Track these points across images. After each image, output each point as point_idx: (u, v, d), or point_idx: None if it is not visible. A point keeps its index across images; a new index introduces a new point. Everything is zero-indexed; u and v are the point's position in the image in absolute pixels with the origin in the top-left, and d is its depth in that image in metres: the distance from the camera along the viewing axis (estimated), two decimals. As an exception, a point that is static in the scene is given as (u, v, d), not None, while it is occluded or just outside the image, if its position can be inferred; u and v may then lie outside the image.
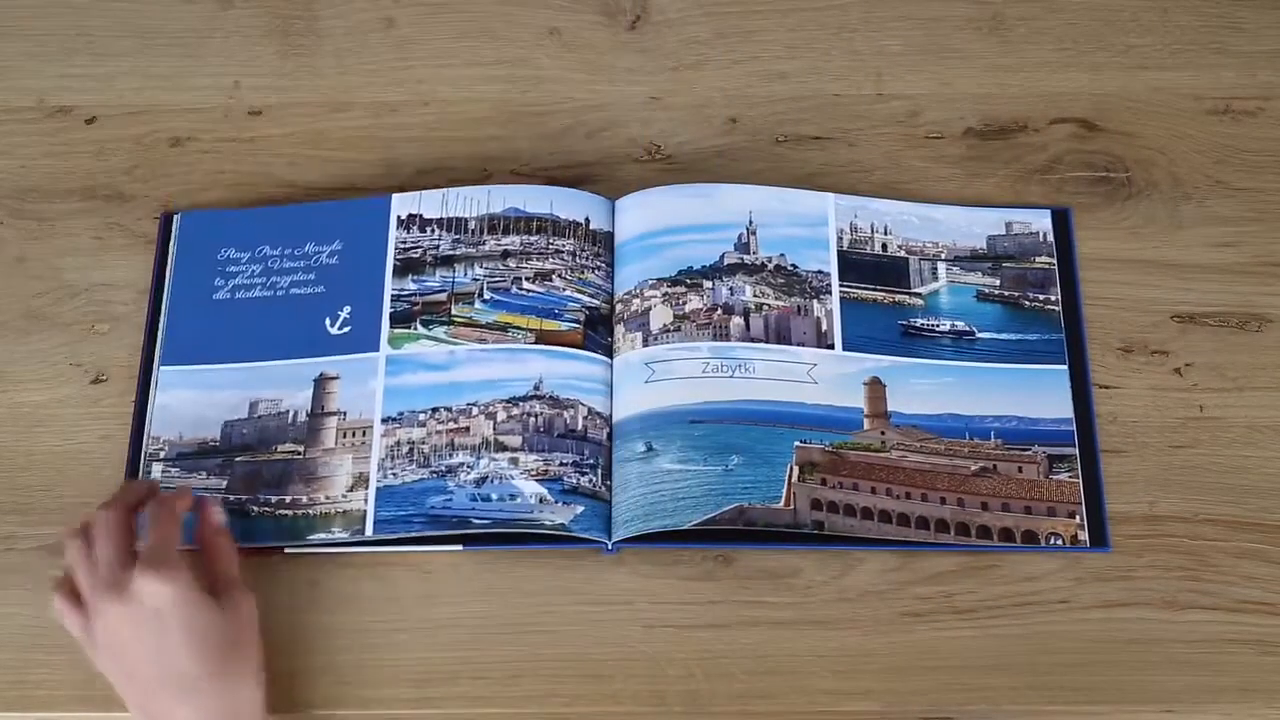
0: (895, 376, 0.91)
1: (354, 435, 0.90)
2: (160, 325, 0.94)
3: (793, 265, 0.94)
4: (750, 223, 0.95)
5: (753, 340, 0.91)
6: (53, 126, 1.03)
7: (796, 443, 0.88)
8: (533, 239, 0.94)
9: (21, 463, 0.91)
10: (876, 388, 0.90)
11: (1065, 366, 0.91)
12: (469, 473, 0.88)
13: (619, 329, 0.92)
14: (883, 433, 0.89)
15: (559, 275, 0.93)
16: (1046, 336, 0.93)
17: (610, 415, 0.90)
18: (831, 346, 0.92)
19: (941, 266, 0.95)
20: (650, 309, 0.92)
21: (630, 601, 0.87)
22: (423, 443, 0.89)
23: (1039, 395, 0.90)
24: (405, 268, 0.94)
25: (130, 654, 0.79)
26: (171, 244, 0.97)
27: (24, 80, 1.05)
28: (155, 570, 0.78)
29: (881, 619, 0.86)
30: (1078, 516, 0.87)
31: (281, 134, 1.02)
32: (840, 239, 0.95)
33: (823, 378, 0.90)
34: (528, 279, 0.94)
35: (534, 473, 0.88)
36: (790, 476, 0.87)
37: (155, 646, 0.78)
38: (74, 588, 0.81)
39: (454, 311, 0.93)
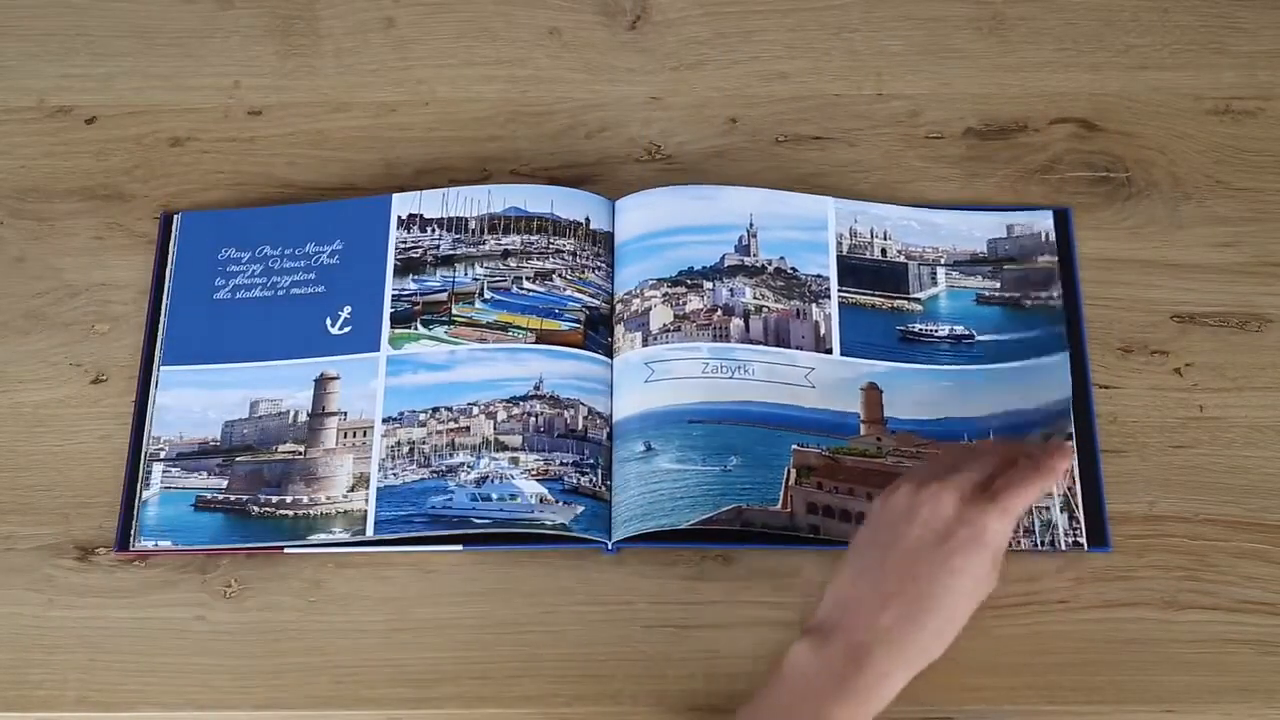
0: (893, 381, 0.91)
1: (354, 435, 0.90)
2: (160, 325, 0.94)
3: (792, 268, 0.94)
4: (751, 225, 0.95)
5: (752, 342, 0.91)
6: (53, 126, 1.03)
7: (794, 445, 0.88)
8: (533, 238, 0.94)
9: (21, 463, 0.91)
10: (873, 393, 0.90)
11: (1066, 353, 0.91)
12: (469, 473, 0.88)
13: (619, 329, 0.92)
14: (879, 438, 0.89)
15: (559, 275, 0.93)
16: (1049, 330, 0.92)
17: (610, 415, 0.90)
18: (830, 351, 0.92)
19: (941, 271, 0.95)
20: (650, 309, 0.92)
21: (630, 601, 0.86)
22: (423, 442, 0.89)
23: (1038, 386, 0.90)
24: (406, 267, 0.94)
25: (927, 569, 0.75)
26: (171, 244, 0.97)
27: (24, 80, 1.05)
28: (1008, 513, 0.76)
29: (881, 619, 0.86)
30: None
31: (281, 134, 1.02)
32: (840, 244, 0.95)
33: (820, 382, 0.90)
34: (528, 279, 0.94)
35: (534, 472, 0.88)
36: (787, 479, 0.87)
37: (973, 581, 0.75)
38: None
39: (454, 311, 0.93)
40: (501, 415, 0.89)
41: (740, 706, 0.76)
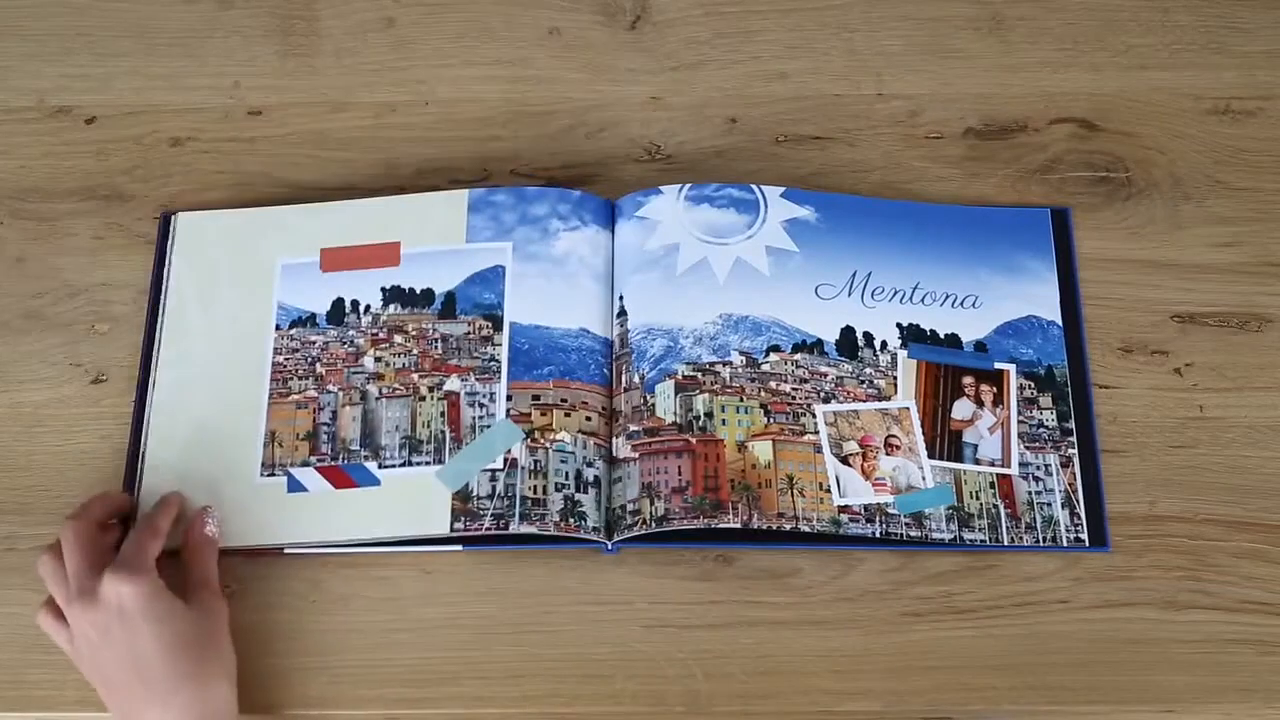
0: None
1: (354, 435, 0.90)
2: (159, 325, 0.94)
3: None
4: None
5: None
6: (53, 126, 1.03)
7: None
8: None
9: (21, 463, 0.91)
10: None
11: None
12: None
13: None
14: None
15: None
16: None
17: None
18: None
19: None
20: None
21: (630, 601, 0.87)
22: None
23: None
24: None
25: (104, 659, 0.80)
26: (171, 244, 0.97)
27: (24, 80, 1.05)
28: (121, 572, 0.79)
29: (881, 619, 0.86)
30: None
31: (281, 134, 1.02)
32: None
33: None
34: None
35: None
36: None
37: (126, 647, 0.79)
38: (55, 602, 0.82)
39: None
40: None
41: None
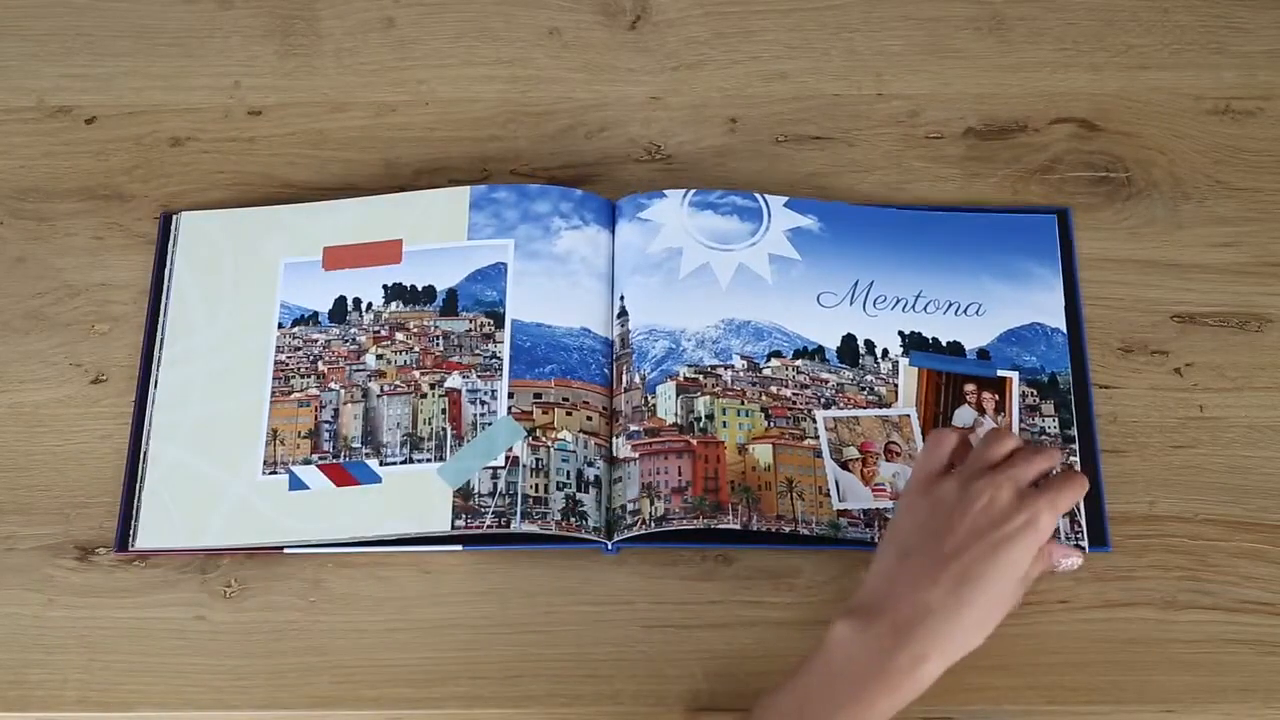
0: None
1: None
2: (160, 325, 0.94)
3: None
4: None
5: None
6: (53, 126, 1.03)
7: None
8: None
9: (21, 463, 0.91)
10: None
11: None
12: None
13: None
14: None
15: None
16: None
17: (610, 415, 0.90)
18: None
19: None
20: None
21: (630, 601, 0.86)
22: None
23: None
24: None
25: (947, 539, 0.76)
26: (171, 244, 0.97)
27: (24, 80, 1.05)
28: (1053, 508, 0.77)
29: (881, 619, 0.86)
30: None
31: (281, 134, 1.02)
32: None
33: None
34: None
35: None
36: None
37: (994, 563, 0.76)
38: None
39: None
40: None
41: (767, 691, 0.76)
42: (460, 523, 0.86)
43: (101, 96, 1.04)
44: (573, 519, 0.86)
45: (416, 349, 0.92)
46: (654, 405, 0.90)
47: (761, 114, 1.02)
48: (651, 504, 0.86)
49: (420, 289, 0.94)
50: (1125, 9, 1.06)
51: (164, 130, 1.02)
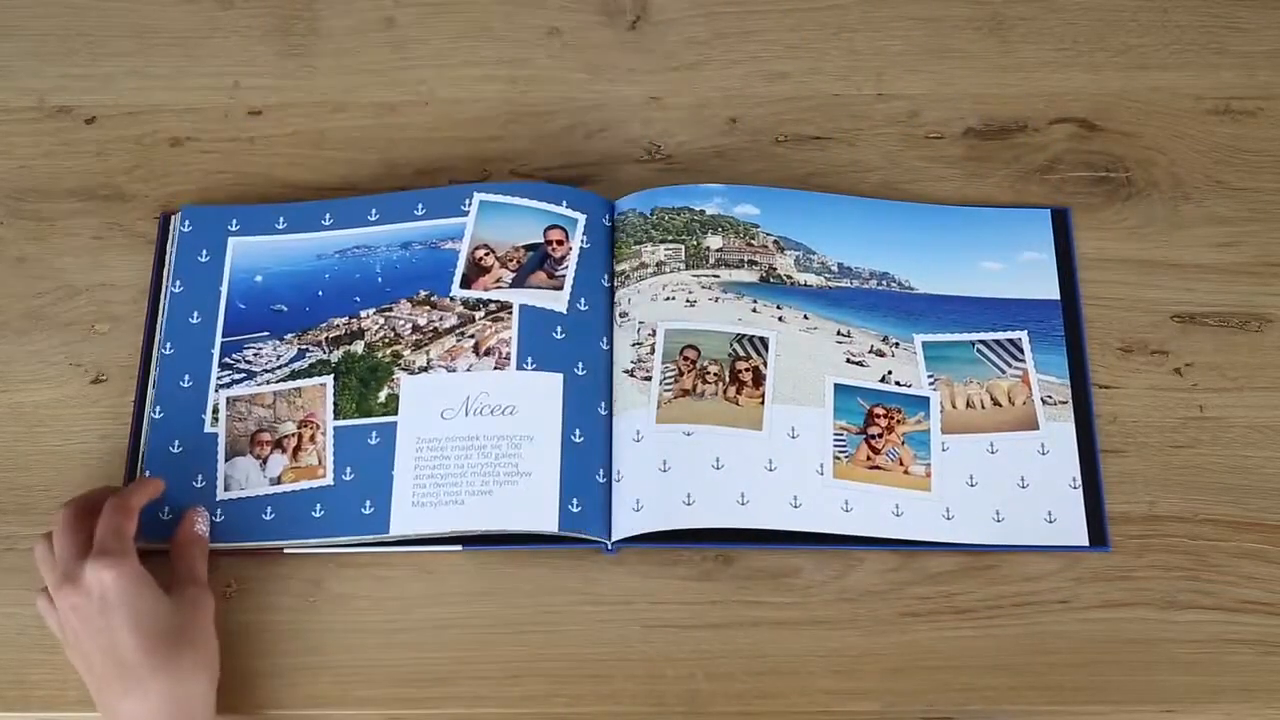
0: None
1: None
2: (160, 325, 0.94)
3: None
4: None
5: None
6: (53, 126, 1.03)
7: None
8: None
9: (21, 463, 0.91)
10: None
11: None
12: None
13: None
14: None
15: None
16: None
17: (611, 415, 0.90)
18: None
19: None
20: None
21: (630, 601, 0.87)
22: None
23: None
24: None
25: (85, 644, 0.79)
26: (171, 244, 0.97)
27: (24, 80, 1.05)
28: (101, 559, 0.79)
29: (881, 619, 0.86)
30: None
31: (281, 134, 1.02)
32: None
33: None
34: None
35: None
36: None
37: (104, 632, 0.78)
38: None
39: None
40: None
41: None
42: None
43: (101, 96, 1.04)
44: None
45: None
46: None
47: (761, 114, 1.02)
48: None
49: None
50: (1125, 9, 1.06)
51: (164, 130, 1.02)
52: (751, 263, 0.94)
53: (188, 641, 0.80)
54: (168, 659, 0.78)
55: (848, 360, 0.91)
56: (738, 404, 0.89)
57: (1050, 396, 0.90)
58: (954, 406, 0.90)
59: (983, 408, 0.90)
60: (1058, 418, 0.90)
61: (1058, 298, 0.93)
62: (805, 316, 0.93)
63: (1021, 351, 0.91)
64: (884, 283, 0.94)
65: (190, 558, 0.84)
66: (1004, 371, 0.91)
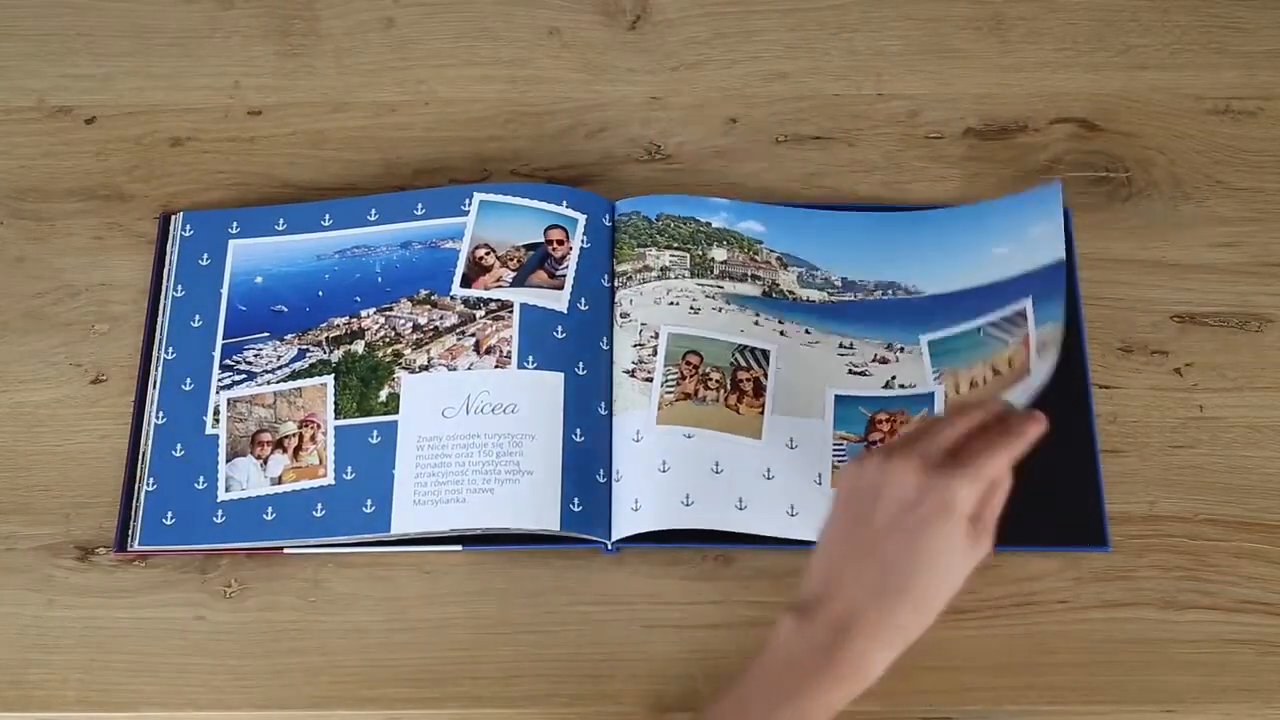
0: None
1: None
2: (160, 325, 0.94)
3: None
4: None
5: None
6: (53, 126, 1.03)
7: None
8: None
9: (21, 463, 0.91)
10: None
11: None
12: None
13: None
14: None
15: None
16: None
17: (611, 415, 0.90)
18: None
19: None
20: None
21: (630, 601, 0.87)
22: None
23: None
24: None
25: (883, 543, 0.73)
26: (171, 244, 0.97)
27: (24, 80, 1.05)
28: (970, 478, 0.72)
29: (881, 619, 0.86)
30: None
31: (281, 134, 1.02)
32: None
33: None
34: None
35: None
36: None
37: (909, 546, 0.72)
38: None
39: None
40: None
41: (722, 687, 0.75)
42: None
43: (101, 96, 1.04)
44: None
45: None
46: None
47: (761, 114, 1.02)
48: None
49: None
50: (1125, 9, 1.06)
51: (164, 130, 1.02)
52: (755, 277, 0.94)
53: (947, 592, 0.73)
54: (927, 607, 0.73)
55: (850, 371, 0.91)
56: (738, 412, 0.89)
57: (1044, 344, 0.87)
58: (957, 392, 0.90)
59: (984, 382, 0.89)
60: (1047, 357, 0.87)
61: (1062, 257, 0.91)
62: (807, 331, 0.92)
63: (1025, 318, 0.90)
64: (890, 291, 0.94)
65: (998, 498, 0.75)
66: (1008, 343, 0.90)
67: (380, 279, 0.94)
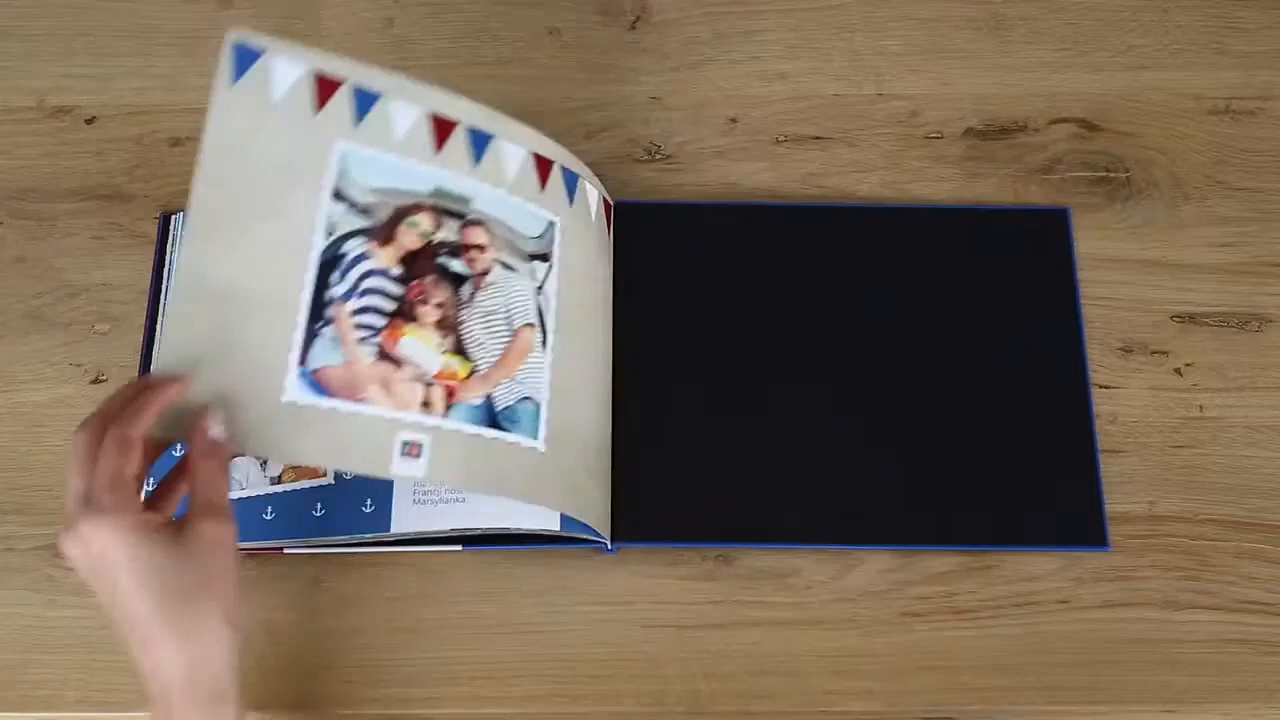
0: None
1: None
2: (160, 325, 0.94)
3: None
4: None
5: None
6: (53, 126, 1.03)
7: None
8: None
9: (21, 463, 0.91)
10: None
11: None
12: None
13: None
14: None
15: None
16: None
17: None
18: None
19: None
20: None
21: (630, 601, 0.87)
22: None
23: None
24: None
25: (96, 594, 0.72)
26: (171, 244, 0.97)
27: (24, 80, 1.05)
28: (94, 515, 0.69)
29: (881, 619, 0.86)
30: None
31: (281, 134, 1.02)
32: None
33: None
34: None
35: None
36: None
37: (107, 592, 0.70)
38: None
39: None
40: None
41: None
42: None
43: (101, 96, 1.04)
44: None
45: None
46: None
47: (761, 114, 1.02)
48: None
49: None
50: (1125, 9, 1.06)
51: (164, 130, 1.02)
52: None
53: (204, 595, 0.71)
54: (180, 619, 0.70)
55: None
56: None
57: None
58: None
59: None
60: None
61: None
62: None
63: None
64: None
65: (207, 476, 0.73)
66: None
67: None
